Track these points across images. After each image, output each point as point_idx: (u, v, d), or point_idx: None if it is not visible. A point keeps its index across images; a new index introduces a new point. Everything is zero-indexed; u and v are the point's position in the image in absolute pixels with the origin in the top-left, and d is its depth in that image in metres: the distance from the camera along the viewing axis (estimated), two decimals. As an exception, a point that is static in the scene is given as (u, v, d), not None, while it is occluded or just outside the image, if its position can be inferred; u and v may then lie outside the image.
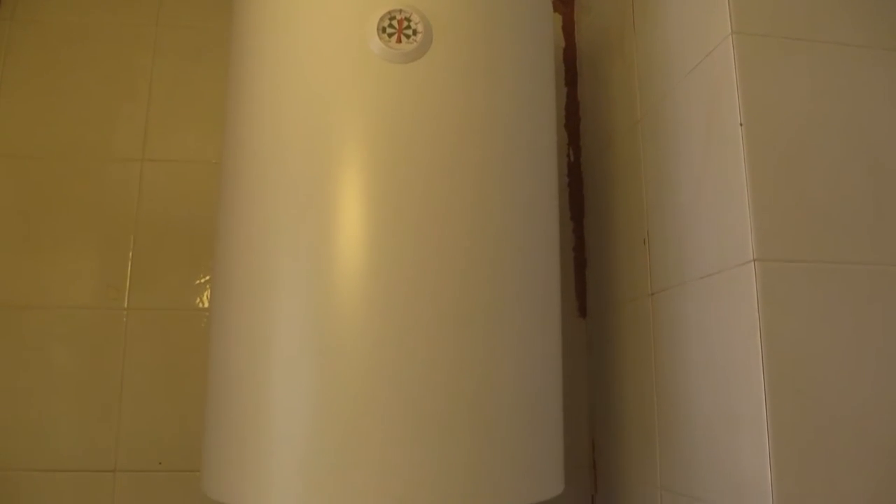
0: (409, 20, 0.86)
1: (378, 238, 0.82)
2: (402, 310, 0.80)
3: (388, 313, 0.80)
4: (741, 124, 0.80)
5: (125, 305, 1.22)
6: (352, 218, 0.82)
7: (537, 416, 0.87)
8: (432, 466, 0.76)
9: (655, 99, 1.02)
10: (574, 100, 1.38)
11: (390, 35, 0.85)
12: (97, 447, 1.18)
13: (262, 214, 0.87)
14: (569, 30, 1.41)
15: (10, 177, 1.24)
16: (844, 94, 0.82)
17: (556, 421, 0.91)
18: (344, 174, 0.84)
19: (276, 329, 0.81)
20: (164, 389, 1.20)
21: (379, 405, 0.77)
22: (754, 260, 0.77)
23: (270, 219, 0.86)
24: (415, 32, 0.85)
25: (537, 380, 0.88)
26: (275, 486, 0.77)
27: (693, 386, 0.90)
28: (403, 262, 0.81)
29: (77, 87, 1.28)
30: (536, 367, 0.89)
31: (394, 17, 0.86)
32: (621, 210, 1.14)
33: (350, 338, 0.79)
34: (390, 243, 0.82)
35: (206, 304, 1.23)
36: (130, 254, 1.23)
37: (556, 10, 1.38)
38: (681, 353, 0.93)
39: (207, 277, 1.23)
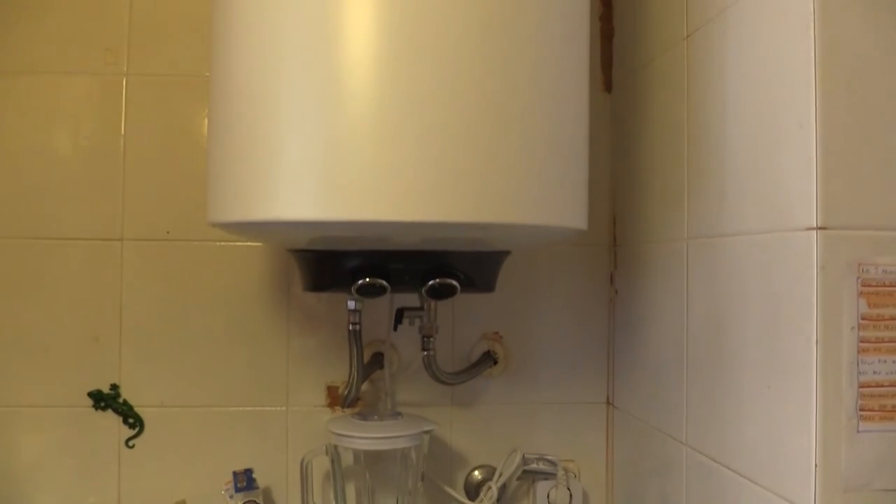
0: None
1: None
2: (424, 33, 0.73)
3: (409, 30, 0.73)
4: None
5: (124, 70, 1.15)
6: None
7: (561, 147, 0.81)
8: (448, 174, 0.71)
9: None
10: None
11: None
12: (103, 216, 1.14)
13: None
14: None
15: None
16: None
17: (580, 159, 0.85)
18: None
19: (284, 37, 0.74)
20: (168, 158, 1.15)
21: (397, 108, 0.71)
22: (811, -51, 0.69)
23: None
24: None
25: (561, 115, 0.82)
26: (285, 193, 0.73)
27: (730, 121, 0.83)
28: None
29: None
30: (560, 104, 0.82)
31: None
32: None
33: (366, 50, 0.72)
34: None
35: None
36: (128, 14, 1.15)
37: None
38: (718, 90, 0.86)
39: (210, 43, 1.16)
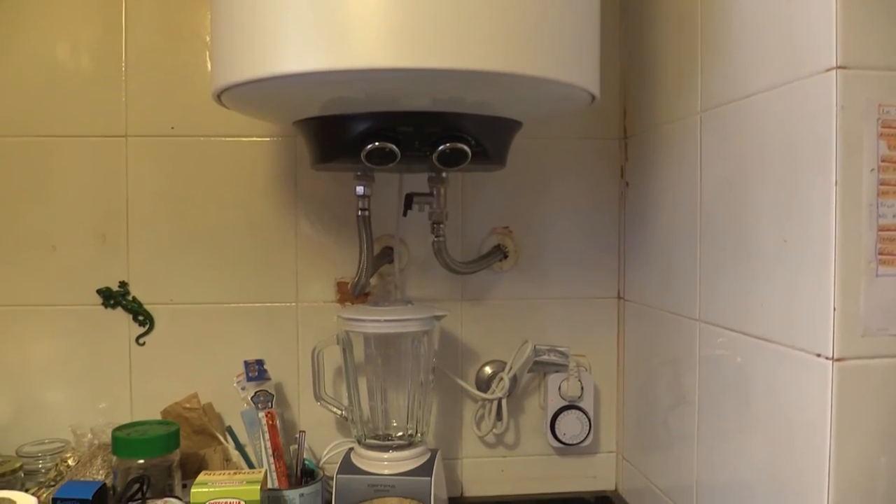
0: None
1: None
2: None
3: None
4: None
5: (121, -32, 1.13)
6: None
7: (574, 7, 0.79)
8: (459, 21, 0.69)
9: None
10: None
11: None
12: (106, 113, 1.12)
13: None
14: None
15: None
16: None
17: (592, 23, 0.83)
18: None
19: None
20: (171, 53, 1.13)
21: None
22: None
23: None
24: None
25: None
26: (292, 45, 0.71)
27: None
28: None
29: None
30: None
31: None
32: None
33: None
34: None
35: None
36: None
37: None
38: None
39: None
